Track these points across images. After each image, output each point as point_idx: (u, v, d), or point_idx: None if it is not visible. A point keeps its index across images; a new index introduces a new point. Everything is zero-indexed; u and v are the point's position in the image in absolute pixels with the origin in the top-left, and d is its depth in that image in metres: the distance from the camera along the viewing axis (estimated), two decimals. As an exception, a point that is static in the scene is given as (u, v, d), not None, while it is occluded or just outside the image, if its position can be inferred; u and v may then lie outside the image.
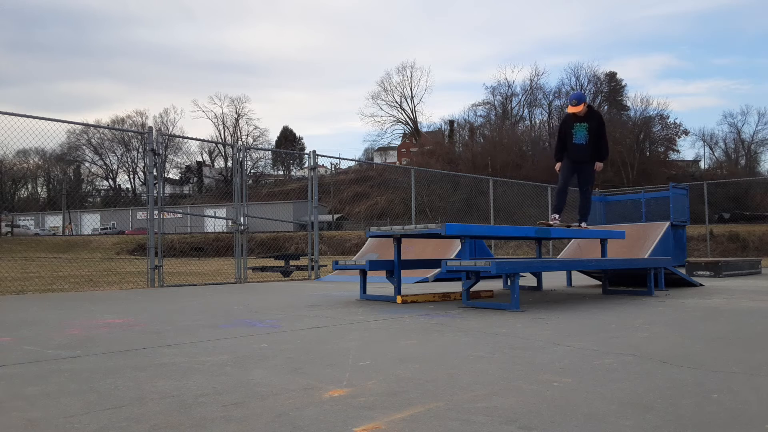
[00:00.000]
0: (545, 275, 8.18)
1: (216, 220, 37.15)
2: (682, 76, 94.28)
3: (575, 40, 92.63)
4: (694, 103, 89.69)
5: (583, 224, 7.13)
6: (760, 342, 3.14)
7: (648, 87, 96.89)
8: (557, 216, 6.96)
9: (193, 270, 12.88)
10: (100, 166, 68.84)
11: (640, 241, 11.42)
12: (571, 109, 6.92)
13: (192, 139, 50.33)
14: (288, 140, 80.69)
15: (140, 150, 63.09)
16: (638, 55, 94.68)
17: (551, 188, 17.17)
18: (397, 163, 63.47)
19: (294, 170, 79.54)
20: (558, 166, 7.22)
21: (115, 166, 69.83)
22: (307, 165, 11.36)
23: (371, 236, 6.30)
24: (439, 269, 7.79)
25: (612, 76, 66.31)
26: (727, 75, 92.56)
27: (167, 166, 63.30)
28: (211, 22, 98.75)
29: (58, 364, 2.66)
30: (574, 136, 6.96)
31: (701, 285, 7.37)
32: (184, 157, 72.02)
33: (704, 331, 3.58)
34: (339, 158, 61.20)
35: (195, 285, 8.85)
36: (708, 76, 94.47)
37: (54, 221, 52.19)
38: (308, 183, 10.80)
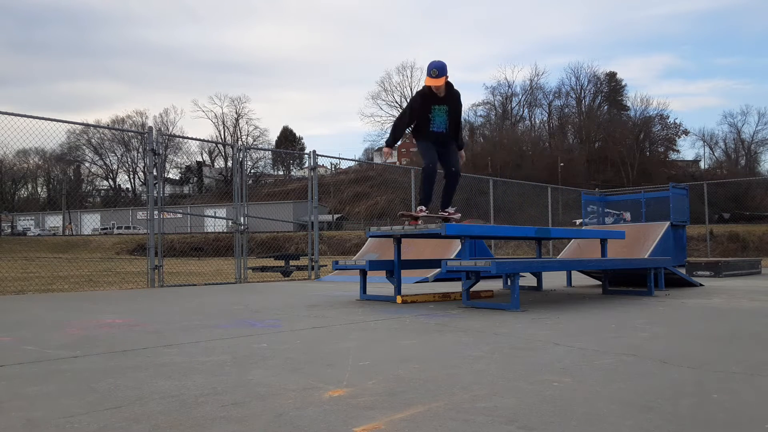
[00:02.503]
0: (545, 275, 8.18)
1: (216, 220, 37.14)
2: (684, 75, 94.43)
3: (576, 40, 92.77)
4: (695, 102, 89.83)
5: (451, 209, 5.79)
6: (759, 342, 3.14)
7: (650, 87, 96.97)
8: (424, 208, 5.58)
9: (193, 270, 12.88)
10: (100, 166, 68.89)
11: (640, 241, 11.42)
12: (430, 82, 5.30)
13: (192, 139, 50.39)
14: (288, 140, 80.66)
15: (140, 150, 63.09)
16: (640, 55, 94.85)
17: (551, 188, 17.17)
18: (397, 163, 63.47)
19: (294, 170, 79.54)
20: (387, 150, 5.73)
21: (115, 166, 69.91)
22: (307, 165, 11.36)
23: (371, 236, 6.30)
24: (439, 269, 7.78)
25: (612, 76, 66.39)
26: (729, 75, 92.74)
27: (167, 166, 63.33)
28: (214, 22, 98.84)
29: (58, 364, 2.66)
30: (431, 122, 5.46)
31: (701, 285, 7.38)
32: (184, 157, 72.10)
33: (704, 331, 3.58)
34: (339, 158, 61.29)
35: (195, 285, 8.85)
36: (710, 75, 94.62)
37: (54, 221, 52.16)
38: (308, 183, 10.80)
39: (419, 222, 5.35)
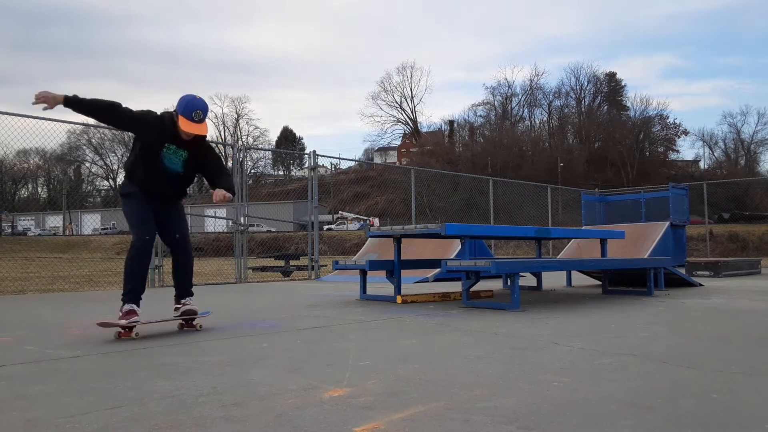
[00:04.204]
0: (545, 275, 8.18)
1: (216, 220, 37.14)
2: (686, 75, 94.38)
3: (577, 40, 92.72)
4: (697, 102, 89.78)
5: (190, 299, 3.92)
6: (760, 342, 3.14)
7: (652, 87, 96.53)
8: (135, 308, 3.51)
9: (193, 270, 12.87)
10: (101, 166, 68.86)
11: (640, 241, 11.42)
12: (189, 127, 3.61)
13: (192, 139, 50.36)
14: (288, 140, 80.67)
15: (140, 150, 62.96)
16: (642, 55, 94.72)
17: (551, 188, 17.15)
18: (397, 163, 63.47)
19: (294, 170, 79.50)
20: (45, 95, 3.44)
21: (115, 166, 69.82)
22: (307, 165, 11.36)
23: (371, 236, 6.30)
24: (439, 269, 7.79)
25: (612, 76, 66.39)
26: (731, 74, 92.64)
27: (167, 166, 63.13)
28: (214, 21, 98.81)
29: (58, 364, 2.66)
30: (162, 158, 3.69)
31: (701, 285, 7.37)
32: (184, 157, 71.99)
33: (704, 331, 3.58)
34: (339, 158, 61.33)
35: (195, 285, 8.83)
36: (712, 75, 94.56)
37: (54, 221, 52.12)
38: (308, 183, 10.80)
39: (133, 334, 3.43)
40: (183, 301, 3.85)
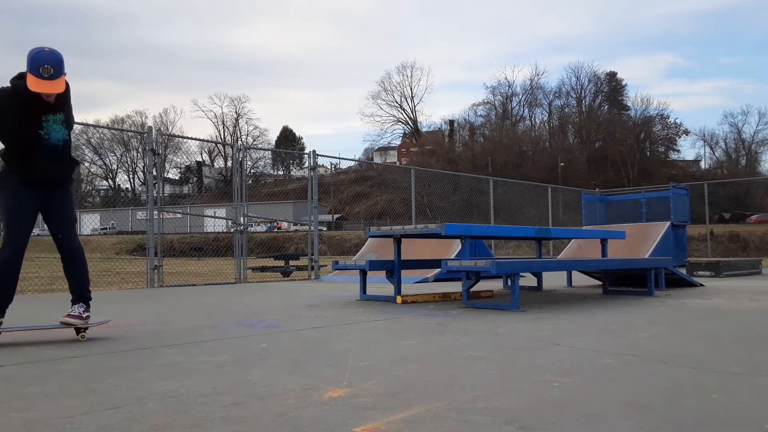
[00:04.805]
0: (545, 275, 8.17)
1: (215, 220, 37.14)
2: (686, 75, 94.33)
3: (578, 40, 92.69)
4: (696, 102, 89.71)
5: (75, 311, 3.45)
6: (760, 342, 3.13)
7: (652, 86, 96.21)
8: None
9: (193, 270, 12.87)
10: (100, 166, 68.88)
11: (641, 241, 11.42)
12: (40, 86, 3.08)
13: (192, 138, 50.08)
14: (288, 140, 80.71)
15: (140, 150, 63.08)
16: (643, 55, 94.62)
17: (551, 188, 17.15)
18: (397, 163, 63.46)
19: (294, 170, 79.52)
20: None
21: (114, 166, 69.92)
22: (307, 165, 11.36)
23: (371, 236, 6.30)
24: (439, 269, 7.79)
25: (612, 75, 66.36)
26: (732, 74, 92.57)
27: (167, 166, 63.24)
28: (214, 21, 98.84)
29: (57, 364, 2.66)
30: (46, 137, 3.25)
31: (702, 285, 7.37)
32: (184, 157, 72.01)
33: (704, 332, 3.58)
34: (339, 158, 61.36)
35: (195, 285, 8.85)
36: (713, 75, 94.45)
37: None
38: (308, 183, 10.80)
39: None
40: (71, 309, 3.43)
